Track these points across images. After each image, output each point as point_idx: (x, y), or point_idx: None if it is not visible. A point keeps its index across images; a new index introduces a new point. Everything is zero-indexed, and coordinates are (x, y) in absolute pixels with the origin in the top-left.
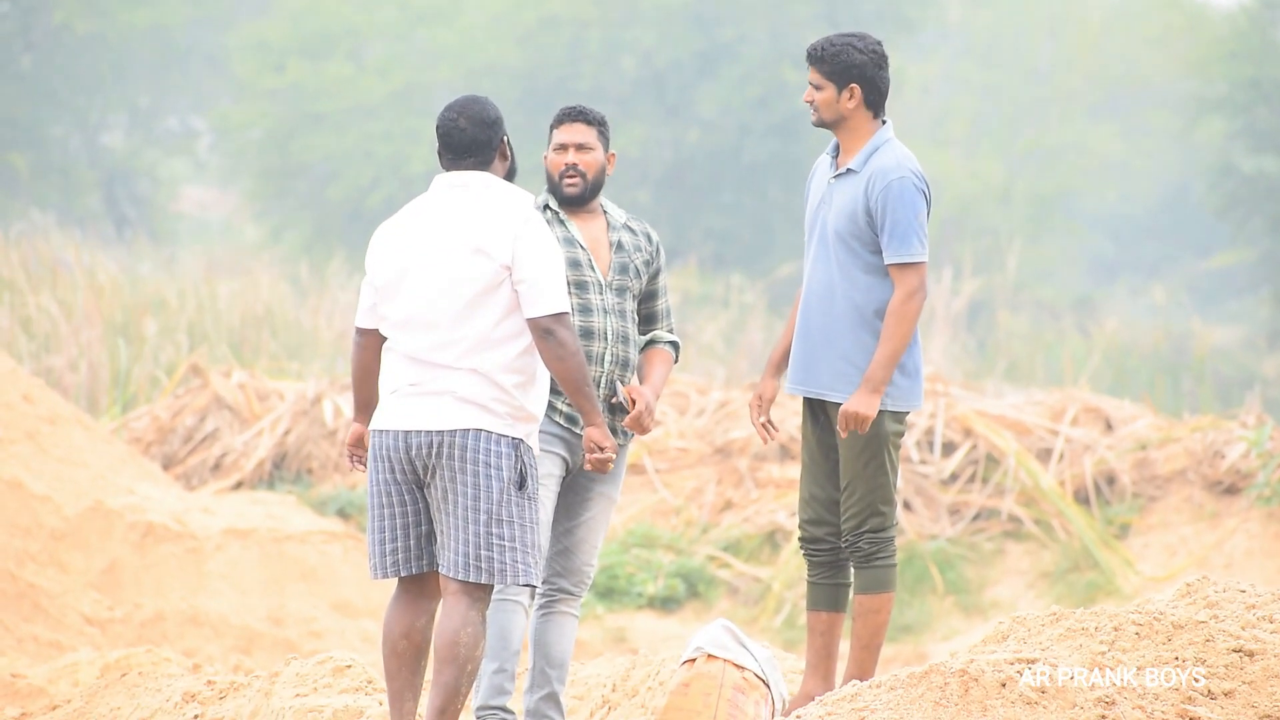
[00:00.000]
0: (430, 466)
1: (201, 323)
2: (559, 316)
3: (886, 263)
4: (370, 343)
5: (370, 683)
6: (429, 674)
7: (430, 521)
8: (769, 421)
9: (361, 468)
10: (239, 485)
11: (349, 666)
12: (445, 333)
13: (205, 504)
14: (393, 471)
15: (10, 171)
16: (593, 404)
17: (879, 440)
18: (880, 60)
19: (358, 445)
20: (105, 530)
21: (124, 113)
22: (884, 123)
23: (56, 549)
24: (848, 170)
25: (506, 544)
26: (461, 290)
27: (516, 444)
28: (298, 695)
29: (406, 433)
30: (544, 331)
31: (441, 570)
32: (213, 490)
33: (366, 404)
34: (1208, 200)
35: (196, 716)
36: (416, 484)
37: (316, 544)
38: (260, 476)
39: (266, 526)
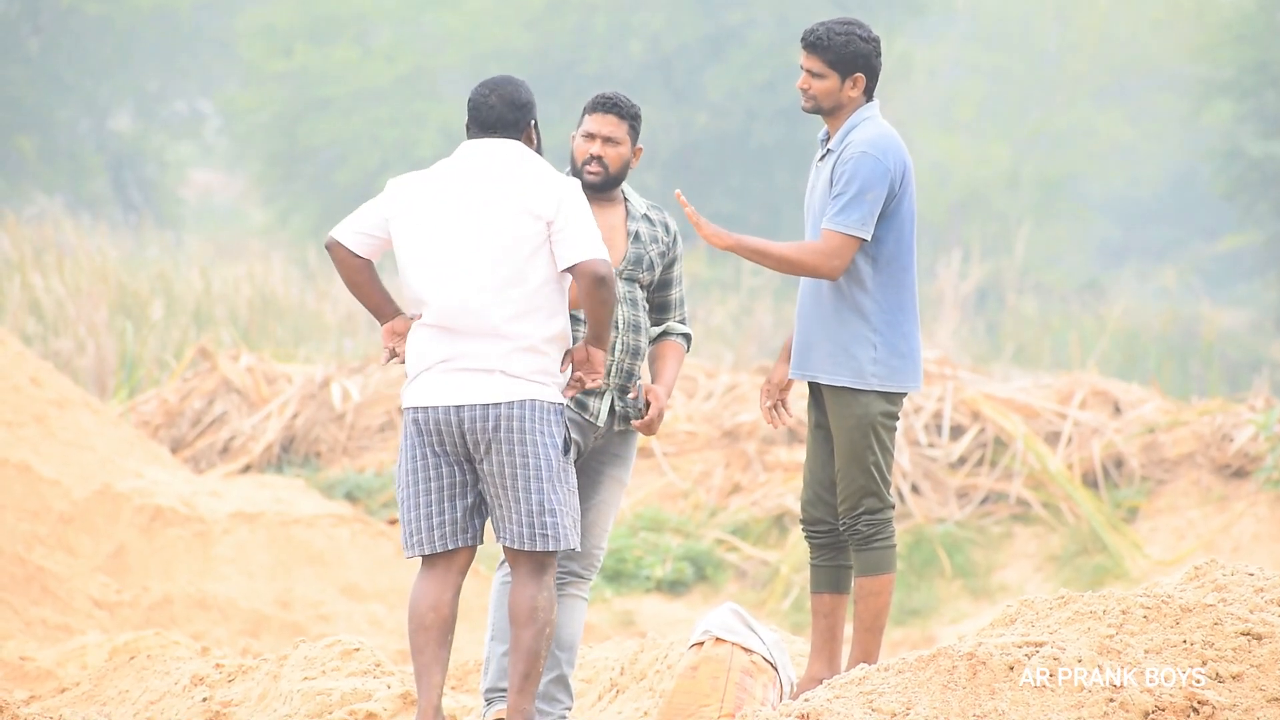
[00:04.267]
0: (485, 441)
1: (209, 306)
2: (608, 262)
3: (822, 225)
4: (360, 262)
5: (378, 665)
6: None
7: (474, 494)
8: (776, 405)
9: (399, 359)
10: (247, 469)
11: (357, 650)
12: (492, 295)
13: (213, 487)
14: (442, 444)
15: (18, 155)
16: (610, 337)
17: (868, 421)
18: (879, 47)
19: (395, 334)
20: (113, 513)
21: (131, 97)
22: (869, 100)
23: (65, 532)
24: (828, 151)
25: (560, 509)
26: (512, 252)
27: (560, 409)
28: (306, 678)
29: (459, 407)
30: (597, 279)
31: (505, 543)
32: (221, 474)
33: (382, 304)
34: (1215, 184)
35: (205, 699)
36: (466, 458)
37: (325, 527)
38: (268, 460)
39: (274, 510)
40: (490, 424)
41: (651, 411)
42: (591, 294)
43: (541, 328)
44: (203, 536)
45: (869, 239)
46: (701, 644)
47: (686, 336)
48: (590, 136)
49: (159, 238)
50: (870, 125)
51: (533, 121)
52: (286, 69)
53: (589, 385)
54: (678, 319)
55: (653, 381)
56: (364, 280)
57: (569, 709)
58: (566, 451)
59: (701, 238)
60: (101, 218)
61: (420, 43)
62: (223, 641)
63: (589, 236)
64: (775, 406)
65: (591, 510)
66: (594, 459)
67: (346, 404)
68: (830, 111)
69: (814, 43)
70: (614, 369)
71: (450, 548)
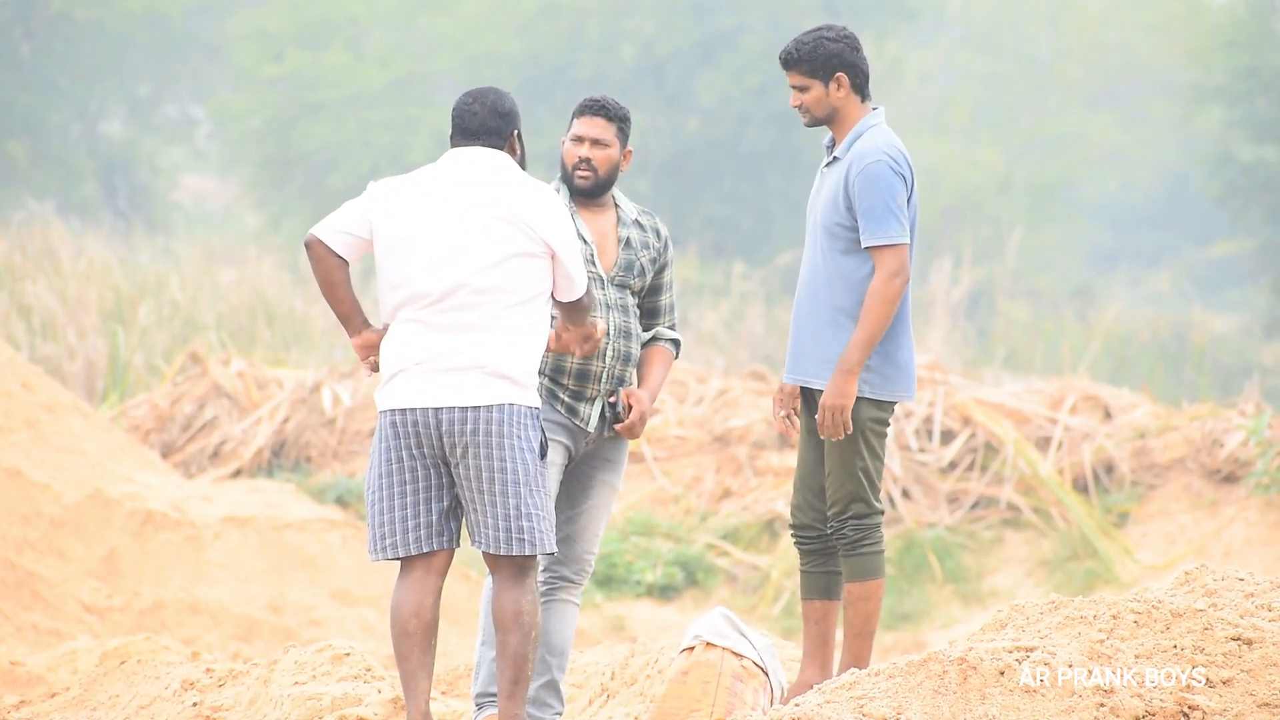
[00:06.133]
0: (461, 444)
1: (200, 311)
2: (587, 291)
3: (864, 245)
4: (338, 262)
5: (369, 670)
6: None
7: (450, 497)
8: (790, 415)
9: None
10: (238, 473)
11: (348, 654)
12: (483, 281)
13: (204, 492)
14: (420, 447)
15: (8, 160)
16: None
17: (857, 427)
18: (854, 43)
19: (367, 347)
20: (104, 518)
21: (123, 101)
22: (874, 109)
23: (56, 537)
24: (834, 159)
25: (537, 513)
26: (498, 252)
27: (536, 414)
28: (296, 683)
29: (437, 409)
30: (579, 308)
31: (481, 548)
32: (212, 478)
33: (352, 311)
34: (1207, 189)
35: (195, 704)
36: (442, 460)
37: (315, 532)
38: (259, 464)
39: (265, 514)
40: (469, 427)
41: (633, 415)
42: (572, 315)
43: (522, 323)
44: (194, 541)
45: (909, 240)
46: (692, 649)
47: (676, 342)
48: (579, 140)
49: (150, 243)
50: (877, 133)
51: (516, 131)
52: (279, 74)
53: (597, 339)
54: (668, 324)
55: (639, 386)
56: (339, 281)
57: (560, 714)
58: (543, 455)
59: (838, 407)
60: (92, 222)
61: (413, 47)
62: (214, 646)
63: (580, 270)
64: (789, 415)
65: (582, 515)
66: (585, 464)
67: (337, 409)
68: (829, 119)
69: (786, 60)
70: (605, 375)
71: (426, 550)
